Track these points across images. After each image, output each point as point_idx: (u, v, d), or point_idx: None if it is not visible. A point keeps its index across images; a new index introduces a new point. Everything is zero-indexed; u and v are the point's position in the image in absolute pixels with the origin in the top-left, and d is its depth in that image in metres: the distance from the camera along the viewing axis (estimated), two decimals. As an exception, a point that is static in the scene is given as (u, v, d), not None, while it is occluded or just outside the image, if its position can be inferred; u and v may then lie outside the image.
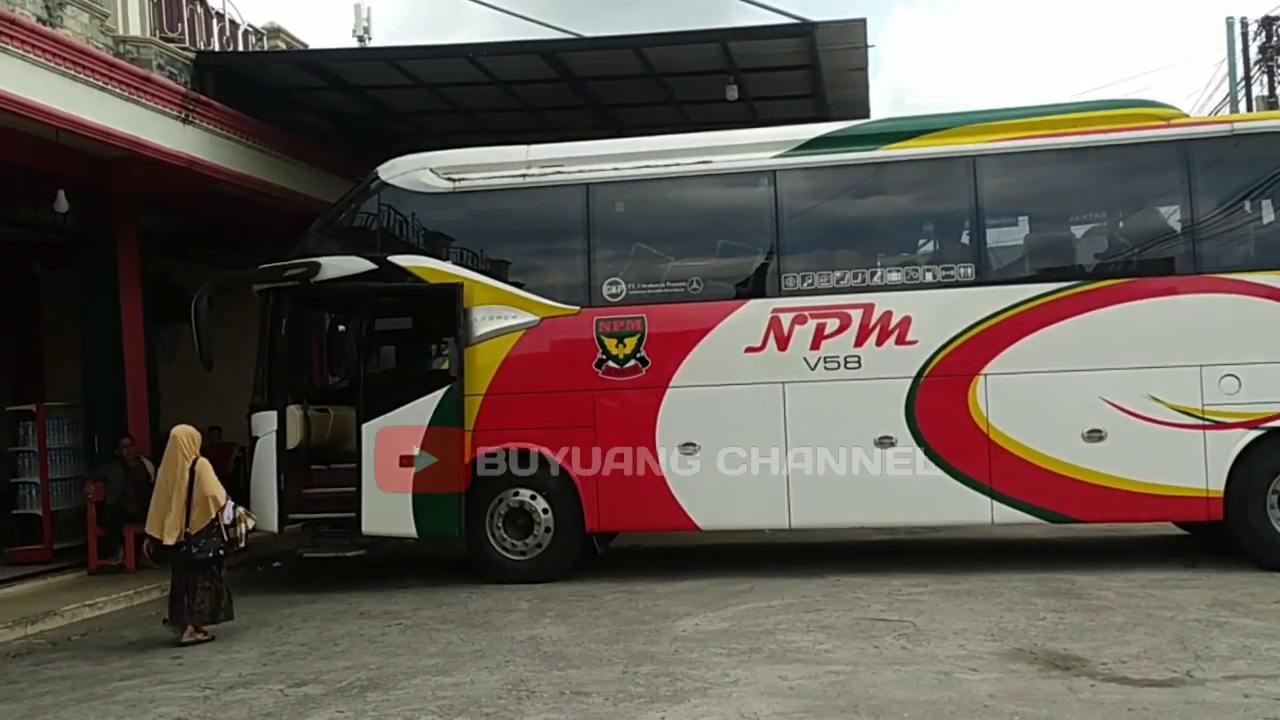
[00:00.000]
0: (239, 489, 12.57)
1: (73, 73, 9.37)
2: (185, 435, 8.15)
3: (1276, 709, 5.18)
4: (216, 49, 12.79)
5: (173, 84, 10.83)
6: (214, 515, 7.94)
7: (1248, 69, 18.66)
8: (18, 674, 7.46)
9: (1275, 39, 18.02)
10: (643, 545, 11.42)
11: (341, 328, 11.50)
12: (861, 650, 6.71)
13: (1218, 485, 8.70)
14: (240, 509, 8.26)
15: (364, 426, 9.73)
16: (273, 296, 10.10)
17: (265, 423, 9.93)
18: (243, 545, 8.28)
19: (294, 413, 9.97)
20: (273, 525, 9.90)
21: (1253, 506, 8.67)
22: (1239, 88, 18.77)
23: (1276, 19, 18.06)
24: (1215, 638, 6.60)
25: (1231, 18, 18.93)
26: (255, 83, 12.32)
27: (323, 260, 9.88)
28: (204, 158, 11.01)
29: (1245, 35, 18.82)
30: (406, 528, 9.67)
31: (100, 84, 9.70)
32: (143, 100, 10.14)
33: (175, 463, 8.00)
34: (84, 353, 11.99)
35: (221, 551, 8.05)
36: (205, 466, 8.06)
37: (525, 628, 7.84)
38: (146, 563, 11.05)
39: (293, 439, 9.82)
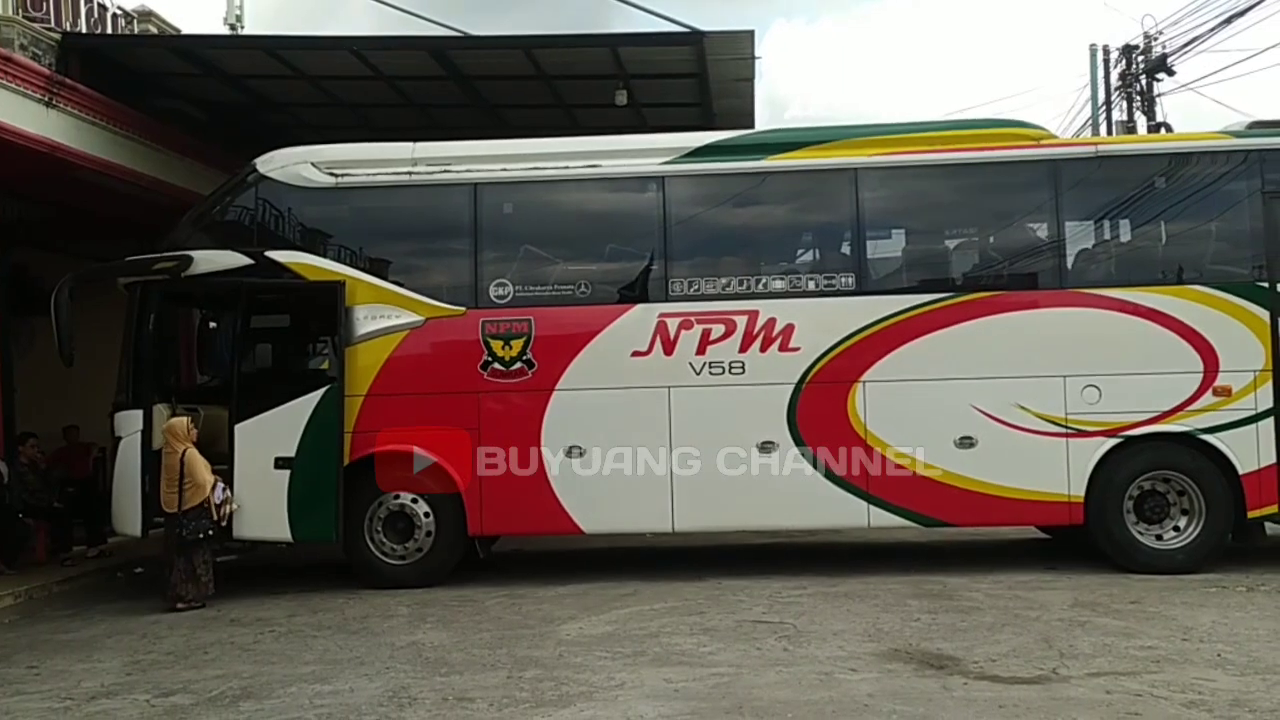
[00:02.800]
0: (97, 492, 12.12)
1: (-75, 49, 8.82)
2: (176, 426, 9.07)
3: (1136, 704, 5.45)
4: (84, 30, 12.21)
5: (36, 65, 10.25)
6: (204, 498, 8.87)
7: (1109, 94, 19.66)
8: None
9: (1135, 67, 19.02)
10: (525, 549, 11.34)
11: (212, 325, 11.08)
12: (744, 652, 6.79)
13: (1079, 491, 9.11)
14: (228, 491, 9.11)
15: (238, 427, 9.42)
16: (140, 291, 9.68)
17: (129, 422, 9.52)
18: (225, 525, 9.11)
19: (160, 412, 9.56)
20: (136, 529, 9.51)
21: (1110, 511, 9.11)
22: (1100, 112, 19.76)
23: (1136, 48, 19.08)
24: (1078, 636, 6.89)
25: (1095, 45, 19.98)
26: (124, 67, 11.77)
27: (195, 254, 9.52)
28: (68, 143, 10.44)
29: (1107, 63, 19.84)
30: (281, 532, 9.39)
31: (-44, 62, 9.15)
32: (3, 81, 9.57)
33: (173, 452, 8.96)
34: (-68, 347, 11.29)
35: (210, 532, 8.94)
36: (192, 455, 8.95)
37: (405, 634, 7.69)
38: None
39: (159, 439, 9.41)
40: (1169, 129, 17.09)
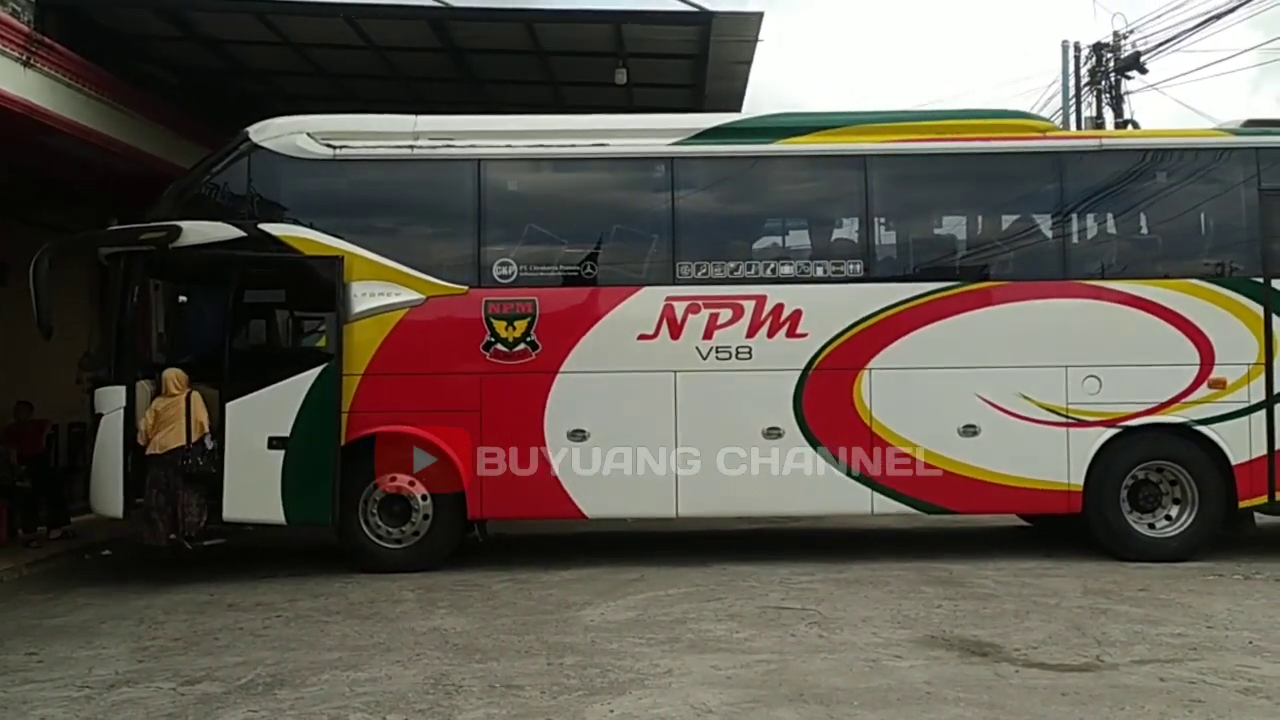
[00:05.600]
0: (47, 470, 11.60)
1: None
2: (174, 376, 9.11)
3: (1194, 691, 5.50)
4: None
5: (16, 22, 9.70)
6: (204, 434, 8.96)
7: (1079, 90, 20.00)
8: None
9: (1105, 64, 19.39)
10: (509, 533, 11.14)
11: (200, 300, 10.64)
12: (780, 639, 6.73)
13: (1078, 480, 9.24)
14: (214, 441, 9.06)
15: (229, 405, 9.08)
16: (124, 262, 9.27)
17: (111, 399, 9.11)
18: (214, 471, 9.03)
19: (144, 389, 9.19)
20: (118, 510, 9.11)
21: (1108, 500, 9.26)
22: (1069, 106, 20.09)
23: (1106, 45, 19.48)
24: (1105, 624, 6.97)
25: (1066, 42, 20.31)
26: (101, 27, 11.22)
27: (184, 225, 9.13)
28: (44, 105, 9.93)
29: (1078, 59, 20.18)
30: (274, 514, 9.07)
31: (-68, 14, 8.61)
32: (-18, 37, 9.07)
33: (175, 394, 9.02)
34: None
35: (213, 469, 8.95)
36: (197, 396, 9.06)
37: (421, 619, 7.49)
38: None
39: (143, 418, 9.02)
40: (1135, 125, 17.48)
